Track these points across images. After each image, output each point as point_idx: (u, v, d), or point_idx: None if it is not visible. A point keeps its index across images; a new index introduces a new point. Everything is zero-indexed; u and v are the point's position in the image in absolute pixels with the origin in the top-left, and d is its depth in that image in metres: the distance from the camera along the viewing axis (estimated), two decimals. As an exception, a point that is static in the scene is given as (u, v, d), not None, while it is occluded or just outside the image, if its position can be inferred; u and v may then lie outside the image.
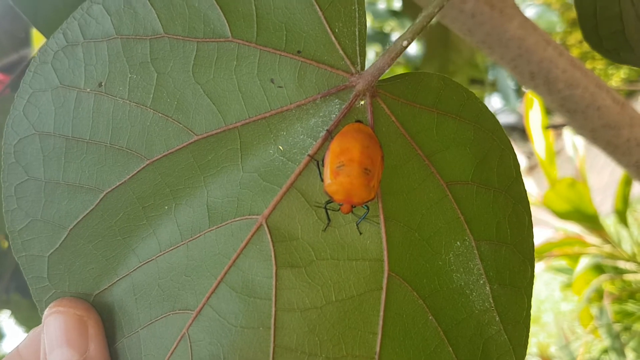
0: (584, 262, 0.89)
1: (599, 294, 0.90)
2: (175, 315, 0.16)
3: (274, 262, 0.16)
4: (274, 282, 0.16)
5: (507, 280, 0.16)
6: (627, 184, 0.90)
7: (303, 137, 0.16)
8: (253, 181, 0.16)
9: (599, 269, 0.92)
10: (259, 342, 0.15)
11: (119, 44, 0.15)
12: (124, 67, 0.15)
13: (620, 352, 0.82)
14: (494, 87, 1.00)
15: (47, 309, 0.16)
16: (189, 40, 0.16)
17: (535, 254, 0.16)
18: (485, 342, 0.16)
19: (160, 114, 0.16)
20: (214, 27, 0.16)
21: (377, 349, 0.16)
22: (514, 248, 0.16)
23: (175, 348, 0.16)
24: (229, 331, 0.16)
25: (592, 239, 0.93)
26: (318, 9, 0.16)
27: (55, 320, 0.15)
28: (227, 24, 0.16)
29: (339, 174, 0.15)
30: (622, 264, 0.90)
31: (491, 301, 0.16)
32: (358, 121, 0.16)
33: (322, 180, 0.16)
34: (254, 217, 0.16)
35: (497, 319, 0.16)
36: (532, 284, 0.16)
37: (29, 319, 0.57)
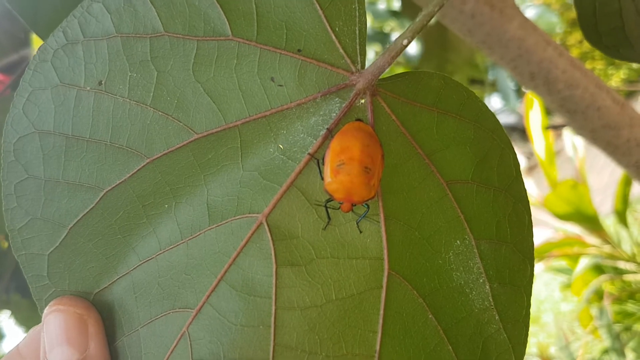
0: (583, 263, 0.89)
1: (599, 295, 0.90)
2: (175, 313, 0.16)
3: (274, 260, 0.16)
4: (274, 281, 0.16)
5: (507, 279, 0.16)
6: (626, 184, 0.90)
7: (303, 135, 0.16)
8: (253, 180, 0.16)
9: (598, 269, 0.92)
10: (259, 340, 0.15)
11: (119, 42, 0.15)
12: (124, 65, 0.15)
13: (620, 353, 0.82)
14: (494, 87, 1.01)
15: (47, 307, 0.16)
16: (189, 38, 0.16)
17: (535, 254, 0.16)
18: (484, 341, 0.16)
19: (160, 113, 0.16)
20: (214, 26, 0.16)
21: (377, 347, 0.16)
22: (514, 247, 0.16)
23: (175, 346, 0.16)
24: (229, 329, 0.16)
25: (591, 239, 0.93)
26: (318, 8, 0.16)
27: (55, 319, 0.15)
28: (227, 23, 0.16)
29: (339, 173, 0.15)
30: (621, 265, 0.91)
31: (491, 300, 0.16)
32: (358, 120, 0.16)
33: (322, 178, 0.16)
34: (254, 215, 0.16)
35: (497, 317, 0.16)
36: (532, 283, 0.16)
37: (29, 319, 0.57)
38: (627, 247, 0.94)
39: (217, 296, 0.16)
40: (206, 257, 0.16)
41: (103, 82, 0.16)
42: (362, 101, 0.16)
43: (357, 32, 0.16)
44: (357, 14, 0.16)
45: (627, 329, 0.88)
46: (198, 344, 0.16)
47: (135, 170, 0.16)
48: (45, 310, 0.16)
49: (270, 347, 0.15)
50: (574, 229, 0.95)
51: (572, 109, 0.37)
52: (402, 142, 0.16)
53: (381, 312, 0.16)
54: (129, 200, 0.16)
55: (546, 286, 1.52)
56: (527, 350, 0.16)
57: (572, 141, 1.00)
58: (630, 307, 0.92)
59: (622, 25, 0.22)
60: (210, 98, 0.16)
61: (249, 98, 0.16)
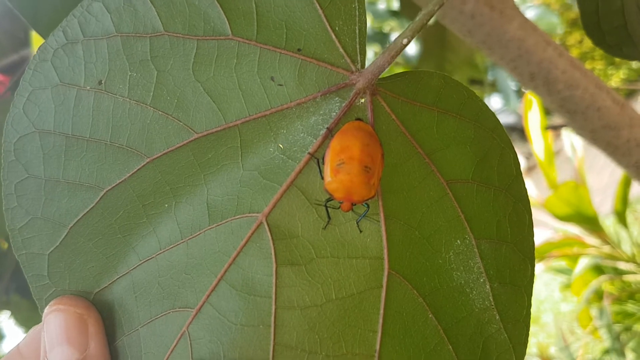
0: (583, 263, 0.89)
1: (599, 295, 0.90)
2: (175, 313, 0.16)
3: (274, 260, 0.16)
4: (274, 280, 0.16)
5: (508, 279, 0.16)
6: (626, 185, 0.90)
7: (303, 135, 0.16)
8: (253, 179, 0.16)
9: (598, 269, 0.92)
10: (259, 340, 0.15)
11: (118, 41, 0.15)
12: (124, 65, 0.16)
13: (620, 353, 0.82)
14: (494, 87, 1.01)
15: (47, 307, 0.16)
16: (189, 38, 0.16)
17: (535, 255, 0.16)
18: (485, 341, 0.16)
19: (160, 112, 0.16)
20: (214, 25, 0.16)
21: (377, 347, 0.16)
22: (514, 247, 0.16)
23: (175, 346, 0.16)
24: (229, 329, 0.16)
25: (591, 240, 0.93)
26: (318, 7, 0.16)
27: (56, 319, 0.15)
28: (227, 22, 0.16)
29: (339, 172, 0.15)
30: (621, 265, 0.91)
31: (491, 299, 0.16)
32: (358, 119, 0.16)
33: (322, 178, 0.16)
34: (254, 215, 0.16)
35: (497, 317, 0.16)
36: (532, 282, 0.16)
37: (29, 319, 0.57)
38: (627, 247, 0.94)
39: (217, 296, 0.16)
40: (206, 256, 0.16)
41: (103, 82, 0.16)
42: (362, 100, 0.16)
43: (357, 31, 0.16)
44: (357, 13, 0.16)
45: (627, 329, 0.88)
46: (198, 343, 0.16)
47: (135, 170, 0.16)
48: (46, 310, 0.16)
49: (270, 346, 0.15)
50: (573, 229, 0.95)
51: (572, 109, 0.38)
52: (402, 141, 0.16)
53: (381, 311, 0.16)
54: (129, 199, 0.16)
55: (546, 286, 1.52)
56: (527, 350, 0.16)
57: (571, 142, 1.00)
58: (630, 307, 0.92)
59: (625, 23, 0.22)
60: (210, 97, 0.16)
61: (249, 97, 0.16)
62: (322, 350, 0.15)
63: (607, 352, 0.87)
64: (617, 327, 0.87)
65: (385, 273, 0.16)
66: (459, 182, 0.16)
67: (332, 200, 0.16)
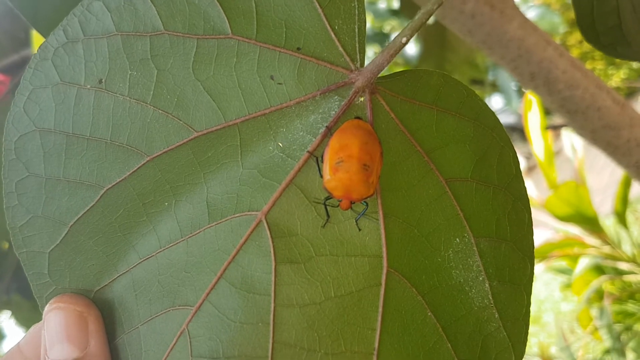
0: (583, 263, 0.89)
1: (599, 295, 0.90)
2: (175, 311, 0.16)
3: (273, 258, 0.16)
4: (273, 278, 0.16)
5: (507, 277, 0.16)
6: (626, 185, 0.90)
7: (302, 133, 0.16)
8: (252, 177, 0.16)
9: (598, 269, 0.92)
10: (258, 337, 0.16)
11: (119, 40, 0.16)
12: (124, 63, 0.16)
13: (621, 353, 0.81)
14: (495, 87, 1.01)
15: (48, 305, 0.16)
16: (189, 37, 0.16)
17: (535, 255, 0.16)
18: (484, 339, 0.16)
19: (160, 111, 0.16)
20: (214, 24, 0.16)
21: (376, 344, 0.16)
22: (514, 245, 0.16)
23: (175, 344, 0.16)
24: (228, 327, 0.16)
25: (591, 240, 0.93)
26: (318, 6, 0.16)
27: (56, 317, 0.15)
28: (227, 21, 0.16)
29: (338, 170, 0.15)
30: (622, 265, 0.90)
31: (490, 298, 0.16)
32: (357, 118, 0.16)
33: (321, 176, 0.16)
34: (253, 213, 0.16)
35: (497, 315, 0.16)
36: (532, 281, 0.16)
37: (30, 319, 0.57)
38: (627, 247, 0.94)
39: (216, 294, 0.16)
40: (206, 254, 0.16)
41: (103, 81, 0.16)
42: (361, 99, 0.16)
43: (357, 30, 0.16)
44: (357, 12, 0.16)
45: (628, 329, 0.88)
46: (197, 341, 0.16)
47: (135, 169, 0.16)
48: (46, 308, 0.16)
49: (269, 344, 0.15)
50: (574, 229, 0.95)
51: (573, 109, 0.38)
52: (401, 139, 0.16)
53: (380, 309, 0.16)
54: (129, 198, 0.16)
55: (546, 286, 1.52)
56: (528, 350, 0.16)
57: (571, 142, 1.00)
58: (630, 307, 0.92)
59: (620, 23, 0.22)
60: (210, 96, 0.16)
61: (249, 96, 0.16)
62: (321, 348, 0.16)
63: (607, 352, 0.87)
64: (618, 327, 0.86)
65: (384, 271, 0.16)
66: (458, 180, 0.16)
67: (331, 198, 0.16)
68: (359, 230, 0.16)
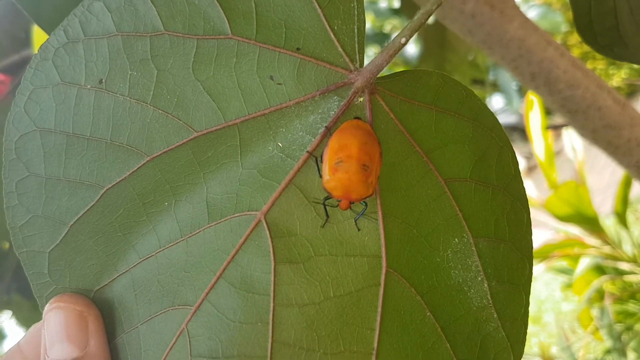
0: (584, 263, 0.89)
1: (600, 295, 0.90)
2: (174, 310, 0.16)
3: (272, 257, 0.16)
4: (272, 278, 0.16)
5: (505, 278, 0.16)
6: (627, 185, 0.90)
7: (302, 133, 0.16)
8: (252, 177, 0.16)
9: (599, 269, 0.92)
10: (257, 337, 0.16)
11: (119, 41, 0.16)
12: (124, 64, 0.16)
13: (622, 353, 0.81)
14: (495, 87, 1.00)
15: (48, 304, 0.16)
16: (189, 37, 0.16)
17: (535, 256, 0.16)
18: (483, 339, 0.16)
19: (160, 111, 0.16)
20: (213, 25, 0.16)
21: (375, 344, 0.16)
22: (512, 245, 0.16)
23: (174, 343, 0.16)
24: (227, 326, 0.16)
25: (592, 240, 0.93)
26: (317, 7, 0.16)
27: (56, 316, 0.15)
28: (226, 21, 0.16)
29: (338, 170, 0.15)
30: (622, 265, 0.90)
31: (489, 298, 0.16)
32: (357, 118, 0.16)
33: (320, 176, 0.16)
34: (252, 213, 0.16)
35: (495, 315, 0.16)
36: (530, 281, 0.16)
37: (30, 319, 0.57)
38: (627, 247, 0.94)
39: (215, 293, 0.16)
40: (205, 254, 0.16)
41: (103, 81, 0.16)
42: (361, 99, 0.16)
43: (356, 30, 0.16)
44: (356, 12, 0.16)
45: (629, 329, 0.88)
46: (197, 340, 0.16)
47: (135, 168, 0.16)
48: (46, 308, 0.16)
49: (269, 344, 0.16)
50: (574, 230, 0.95)
51: (573, 109, 0.38)
52: (401, 140, 0.16)
53: (379, 309, 0.16)
54: (129, 198, 0.16)
55: (547, 286, 1.52)
56: (529, 350, 0.16)
57: (572, 142, 1.00)
58: (631, 307, 0.92)
59: (617, 24, 0.22)
60: (210, 96, 0.16)
61: (248, 96, 0.16)
62: (320, 347, 0.16)
63: (608, 352, 0.87)
64: (619, 327, 0.86)
65: (383, 271, 0.16)
66: (457, 180, 0.16)
67: (330, 198, 0.16)
68: (358, 230, 0.16)
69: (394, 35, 0.99)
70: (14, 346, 0.17)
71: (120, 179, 0.16)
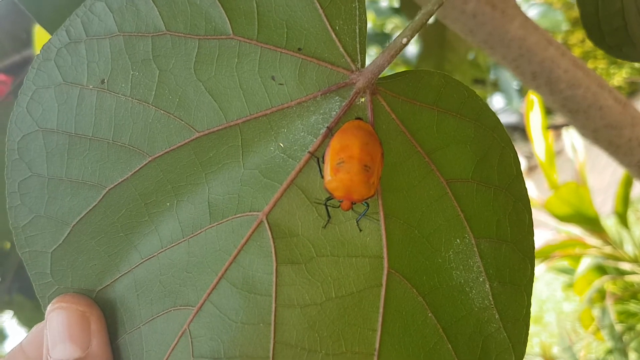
0: (585, 263, 0.89)
1: (601, 295, 0.90)
2: (176, 311, 0.16)
3: (274, 258, 0.16)
4: (274, 279, 0.16)
5: (507, 278, 0.16)
6: (627, 185, 0.90)
7: (303, 134, 0.16)
8: (254, 178, 0.16)
9: (600, 270, 0.92)
10: (259, 338, 0.16)
11: (121, 41, 0.16)
12: (126, 64, 0.16)
13: (623, 353, 0.81)
14: (496, 87, 1.00)
15: (50, 304, 0.16)
16: (190, 37, 0.16)
17: (536, 256, 0.16)
18: (484, 340, 0.16)
19: (162, 111, 0.16)
20: (215, 25, 0.16)
21: (377, 345, 0.16)
22: (514, 246, 0.16)
23: (176, 344, 0.16)
24: (229, 327, 0.16)
25: (593, 240, 0.93)
26: (319, 7, 0.16)
27: (58, 316, 0.15)
28: (228, 22, 0.16)
29: (339, 171, 0.15)
30: (623, 265, 0.90)
31: (491, 299, 0.16)
32: (358, 118, 0.16)
33: (322, 177, 0.16)
34: (254, 213, 0.16)
35: (497, 316, 0.16)
36: (532, 282, 0.16)
37: (32, 319, 0.57)
38: (629, 247, 0.94)
39: (217, 294, 0.16)
40: (207, 255, 0.16)
41: (105, 81, 0.16)
42: (362, 100, 0.16)
43: (357, 30, 0.16)
44: (357, 12, 0.16)
45: (630, 328, 0.88)
46: (199, 341, 0.16)
47: (137, 169, 0.16)
48: (48, 308, 0.16)
49: (271, 344, 0.16)
50: (574, 230, 0.95)
51: (574, 108, 0.37)
52: (402, 140, 0.16)
53: (381, 310, 0.16)
54: (131, 198, 0.16)
55: (548, 286, 1.52)
56: (530, 350, 0.16)
57: (572, 142, 1.00)
58: (632, 307, 0.92)
59: (625, 24, 0.22)
60: (212, 97, 0.16)
61: (250, 97, 0.16)
62: (322, 348, 0.16)
63: (610, 352, 0.87)
64: (620, 327, 0.86)
65: (385, 272, 0.16)
66: (459, 181, 0.16)
67: (332, 199, 0.16)
68: (360, 231, 0.16)
69: (395, 35, 0.99)
70: (17, 346, 0.17)
71: (122, 179, 0.16)
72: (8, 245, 0.55)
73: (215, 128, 0.16)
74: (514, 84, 1.02)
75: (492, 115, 0.16)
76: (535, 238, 0.16)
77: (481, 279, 0.16)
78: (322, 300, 0.16)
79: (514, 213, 0.16)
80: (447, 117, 0.16)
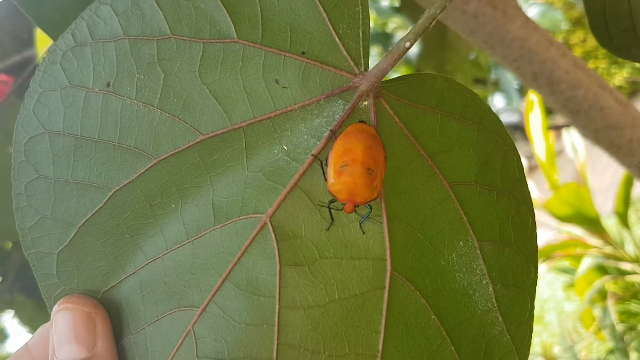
0: (586, 263, 0.89)
1: (602, 295, 0.90)
2: (180, 312, 0.16)
3: (277, 260, 0.16)
4: (277, 280, 0.16)
5: (510, 281, 0.16)
6: (627, 185, 0.90)
7: (307, 137, 0.16)
8: (258, 180, 0.16)
9: (601, 269, 0.92)
10: (263, 339, 0.16)
11: (126, 44, 0.16)
12: (131, 67, 0.16)
13: (624, 353, 0.81)
14: (497, 86, 1.00)
15: (56, 305, 0.16)
16: (195, 41, 0.16)
17: (538, 257, 0.16)
18: (488, 342, 0.16)
19: (167, 114, 0.16)
20: (219, 28, 0.16)
21: (380, 347, 0.16)
22: (517, 249, 0.16)
23: (180, 344, 0.16)
24: (233, 328, 0.16)
25: (593, 240, 0.93)
26: (322, 11, 0.16)
27: (64, 317, 0.16)
28: (232, 25, 0.16)
29: (342, 174, 0.15)
30: (624, 265, 0.90)
31: (494, 301, 0.16)
32: (361, 121, 0.16)
33: (325, 179, 0.16)
34: (258, 215, 0.16)
35: (500, 319, 0.16)
36: (536, 284, 0.16)
37: (33, 319, 0.57)
38: (629, 248, 0.94)
39: (221, 295, 0.16)
40: (211, 256, 0.16)
41: (111, 84, 0.16)
42: (365, 103, 0.16)
43: (361, 34, 0.16)
44: (361, 16, 0.16)
45: (631, 328, 0.88)
46: (203, 342, 0.16)
47: (142, 171, 0.16)
48: (54, 309, 0.16)
49: (274, 345, 0.16)
50: (575, 230, 0.95)
51: (575, 109, 0.38)
52: (405, 143, 0.16)
53: (384, 312, 0.16)
54: (136, 200, 0.16)
55: (549, 285, 1.52)
56: (531, 350, 0.16)
57: (572, 142, 1.00)
58: (633, 306, 0.92)
59: (633, 25, 0.22)
60: (216, 100, 0.16)
61: (254, 100, 0.16)
62: (325, 350, 0.16)
63: (611, 351, 0.87)
64: (621, 327, 0.86)
65: (388, 274, 0.16)
66: (462, 184, 0.16)
67: (335, 201, 0.16)
68: (363, 233, 0.16)
69: (396, 35, 0.99)
70: (22, 347, 0.17)
71: (127, 181, 0.16)
72: (9, 245, 0.55)
73: (219, 131, 0.16)
74: (515, 84, 1.02)
75: (495, 119, 0.16)
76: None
77: (484, 282, 0.16)
78: (325, 302, 0.16)
79: (517, 216, 0.16)
80: (450, 120, 0.16)
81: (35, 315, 0.57)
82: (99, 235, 0.16)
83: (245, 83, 0.16)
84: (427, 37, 0.70)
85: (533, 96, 0.93)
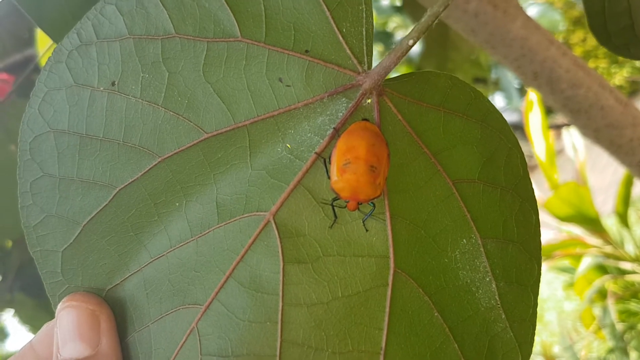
0: (585, 263, 0.89)
1: (602, 294, 0.90)
2: (184, 309, 0.16)
3: (281, 257, 0.16)
4: (281, 278, 0.16)
5: (514, 278, 0.16)
6: (628, 184, 0.90)
7: (310, 135, 0.16)
8: (261, 178, 0.16)
9: (601, 269, 0.92)
10: (266, 336, 0.16)
11: (131, 43, 0.16)
12: (136, 66, 0.16)
13: (624, 352, 0.82)
14: (497, 86, 1.00)
15: (60, 303, 0.16)
16: (199, 40, 0.16)
17: (541, 254, 0.16)
18: (491, 339, 0.16)
19: (171, 113, 0.16)
20: (223, 27, 0.16)
21: (383, 344, 0.16)
22: (521, 246, 0.16)
23: (184, 342, 0.16)
24: (237, 325, 0.16)
25: (593, 240, 0.93)
26: (326, 9, 0.16)
27: (68, 315, 0.16)
28: (236, 24, 0.16)
29: (346, 172, 0.15)
30: (624, 265, 0.90)
31: (497, 299, 0.16)
32: (365, 119, 0.16)
33: (328, 177, 0.16)
34: (261, 213, 0.16)
35: (503, 316, 0.16)
36: (539, 282, 0.16)
37: (33, 318, 0.57)
38: (629, 247, 0.94)
39: (225, 293, 0.16)
40: (215, 254, 0.16)
41: (116, 83, 0.16)
42: (369, 101, 0.16)
43: (364, 33, 0.16)
44: (364, 15, 0.16)
45: (631, 328, 0.88)
46: (207, 339, 0.16)
47: (147, 169, 0.16)
48: (59, 306, 0.16)
49: (277, 343, 0.16)
50: (575, 230, 0.95)
51: (576, 108, 0.38)
52: (409, 141, 0.16)
53: (387, 309, 0.16)
54: (141, 198, 0.16)
55: (549, 285, 1.52)
56: (531, 348, 0.16)
57: (572, 142, 1.00)
58: (633, 306, 0.92)
59: (632, 24, 0.22)
60: (220, 98, 0.16)
61: (258, 98, 0.16)
62: (329, 347, 0.16)
63: (610, 351, 0.87)
64: (621, 326, 0.87)
65: (391, 271, 0.16)
66: (465, 182, 0.16)
67: (338, 199, 0.16)
68: (366, 231, 0.16)
69: (397, 34, 0.99)
70: (27, 345, 0.17)
71: (132, 179, 0.16)
72: (10, 243, 0.55)
73: (223, 129, 0.16)
74: (515, 83, 1.02)
75: (499, 116, 0.16)
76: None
77: (487, 279, 0.16)
78: (328, 300, 0.16)
79: (520, 213, 0.16)
80: (453, 118, 0.16)
81: (35, 314, 0.57)
82: (104, 233, 0.16)
83: (249, 81, 0.16)
84: (429, 36, 0.70)
85: (533, 95, 0.93)
